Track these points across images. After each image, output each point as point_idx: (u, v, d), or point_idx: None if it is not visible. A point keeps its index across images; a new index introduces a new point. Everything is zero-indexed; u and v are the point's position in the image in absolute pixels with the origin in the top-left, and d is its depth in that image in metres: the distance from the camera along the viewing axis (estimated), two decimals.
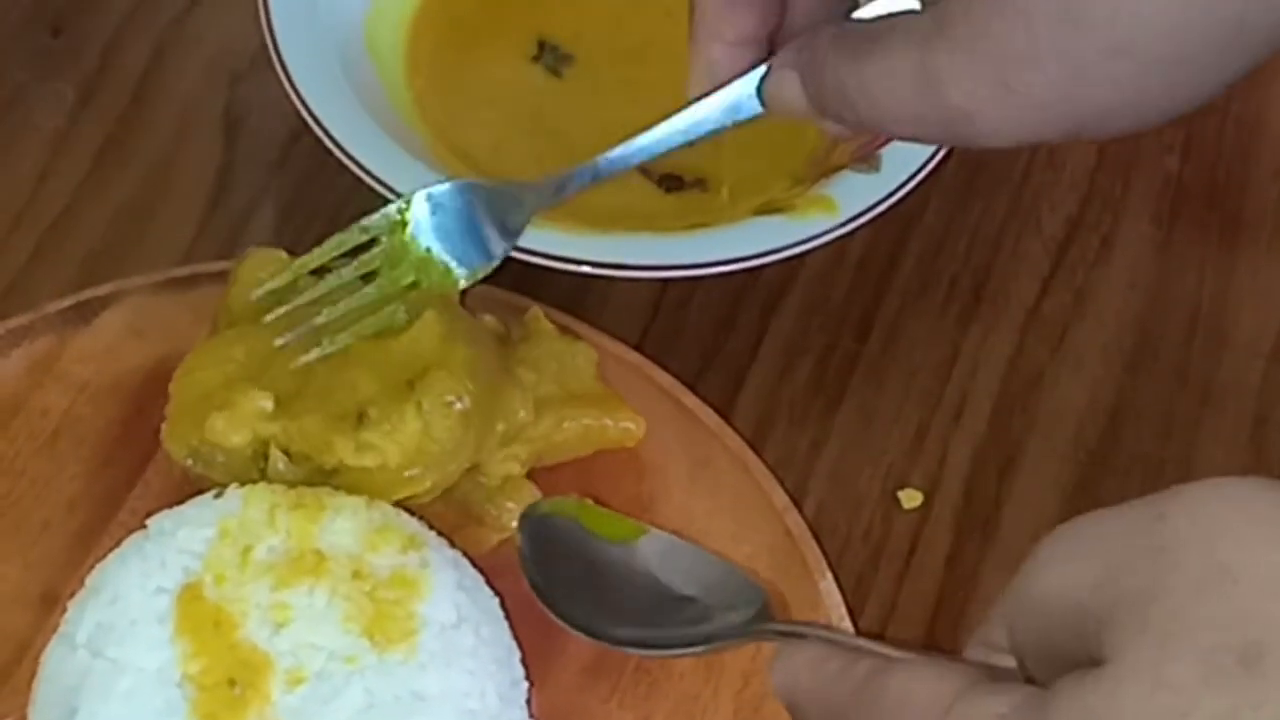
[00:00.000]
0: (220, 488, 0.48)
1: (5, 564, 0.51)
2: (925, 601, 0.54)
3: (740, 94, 0.45)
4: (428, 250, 0.50)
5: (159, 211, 0.60)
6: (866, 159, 0.57)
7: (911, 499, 0.56)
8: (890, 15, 0.41)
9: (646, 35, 0.62)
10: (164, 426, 0.49)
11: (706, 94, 0.45)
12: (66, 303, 0.55)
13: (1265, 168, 0.64)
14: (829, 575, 0.52)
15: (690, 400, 0.55)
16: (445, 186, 0.51)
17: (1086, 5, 0.37)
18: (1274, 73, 0.67)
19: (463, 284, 0.50)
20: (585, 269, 0.54)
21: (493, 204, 0.51)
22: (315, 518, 0.46)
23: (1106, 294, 0.61)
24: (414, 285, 0.50)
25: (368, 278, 0.51)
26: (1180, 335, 0.60)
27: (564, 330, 0.55)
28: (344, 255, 0.51)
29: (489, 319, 0.54)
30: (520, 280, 0.56)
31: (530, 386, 0.52)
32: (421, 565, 0.46)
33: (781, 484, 0.54)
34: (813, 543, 0.52)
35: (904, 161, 0.56)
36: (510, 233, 0.51)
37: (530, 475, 0.52)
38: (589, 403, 0.53)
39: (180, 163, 0.62)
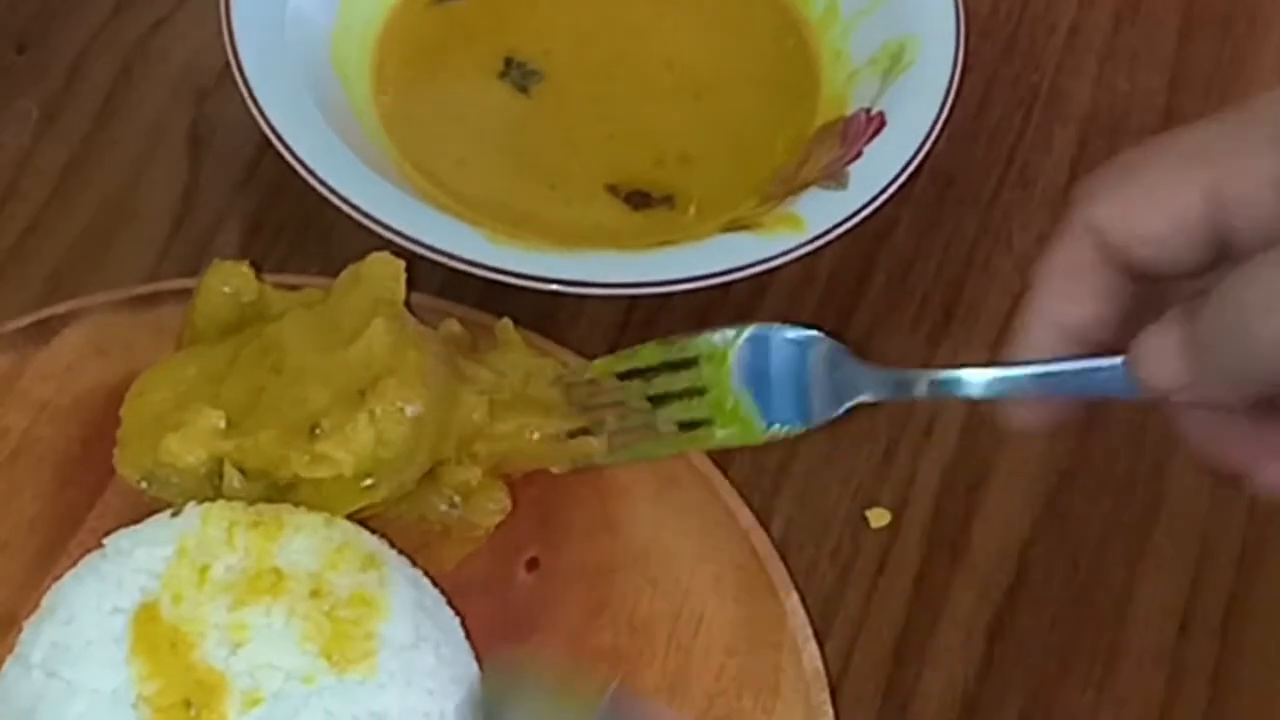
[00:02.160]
0: (178, 506, 0.47)
1: None
2: (894, 621, 0.54)
3: (1105, 371, 0.40)
4: (737, 401, 0.48)
5: (124, 230, 0.60)
6: (834, 176, 0.56)
7: (880, 518, 0.56)
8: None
9: (614, 52, 0.62)
10: (116, 451, 0.49)
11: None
12: (26, 321, 0.55)
13: None
14: (794, 595, 0.52)
15: None
16: (788, 332, 0.48)
17: None
18: (1246, 89, 0.67)
19: (763, 439, 0.47)
20: (551, 287, 0.54)
21: (833, 364, 0.47)
22: (274, 536, 0.45)
23: None
24: (708, 423, 0.48)
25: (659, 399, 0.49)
26: None
27: (532, 346, 0.54)
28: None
29: (454, 326, 0.53)
30: (488, 297, 0.55)
31: (490, 388, 0.51)
32: (381, 584, 0.46)
33: (748, 503, 0.53)
34: (779, 562, 0.52)
35: (872, 178, 0.56)
36: (839, 401, 0.46)
37: None
38: (552, 411, 0.52)
39: (145, 181, 0.61)
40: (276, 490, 0.48)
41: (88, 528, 0.51)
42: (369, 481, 0.48)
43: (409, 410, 0.48)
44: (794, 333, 0.48)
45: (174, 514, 0.47)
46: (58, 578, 0.48)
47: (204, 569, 0.45)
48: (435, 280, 0.56)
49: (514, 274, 0.54)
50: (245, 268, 0.53)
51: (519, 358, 0.53)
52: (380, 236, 0.54)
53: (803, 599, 0.52)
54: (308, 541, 0.46)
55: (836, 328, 0.59)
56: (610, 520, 0.53)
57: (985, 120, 0.65)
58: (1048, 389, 0.41)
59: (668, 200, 0.59)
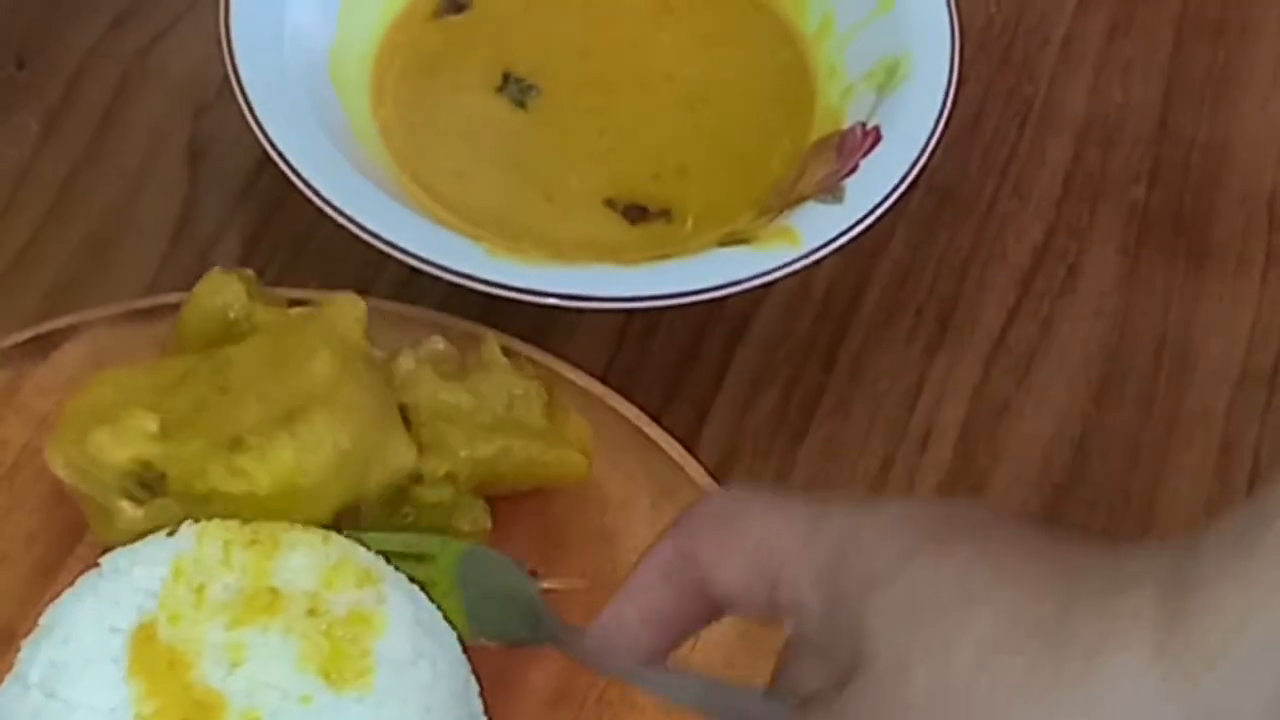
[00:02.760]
0: (174, 526, 0.47)
1: None
2: None
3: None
4: (455, 600, 0.48)
5: (123, 243, 0.60)
6: (830, 190, 0.57)
7: None
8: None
9: (612, 66, 0.62)
10: (48, 443, 0.49)
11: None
12: (25, 335, 0.55)
13: (1232, 194, 0.65)
14: None
15: (654, 432, 0.55)
16: (496, 557, 0.49)
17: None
18: (1239, 98, 0.67)
19: (478, 641, 0.48)
20: (549, 301, 0.54)
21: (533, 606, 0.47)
22: (270, 554, 0.46)
23: (1073, 323, 0.61)
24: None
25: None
26: (1147, 364, 0.60)
27: (529, 362, 0.55)
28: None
29: (439, 344, 0.53)
30: (485, 310, 0.56)
31: (468, 414, 0.51)
32: (378, 601, 0.46)
33: None
34: None
35: (869, 192, 0.56)
36: (536, 634, 0.46)
37: (491, 506, 0.52)
38: (534, 435, 0.52)
39: (144, 194, 0.61)
40: (193, 502, 0.47)
41: (86, 542, 0.51)
42: (280, 505, 0.47)
43: (332, 441, 0.47)
44: (506, 562, 0.49)
45: (170, 533, 0.47)
46: (56, 593, 0.48)
47: (200, 588, 0.45)
48: (436, 294, 0.56)
49: (511, 288, 0.54)
50: (237, 280, 0.53)
51: (504, 379, 0.53)
52: (379, 250, 0.54)
53: None
54: (304, 559, 0.46)
55: (832, 340, 0.60)
56: (608, 534, 0.53)
57: (980, 132, 0.65)
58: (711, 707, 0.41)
59: (665, 214, 0.59)
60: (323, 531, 0.47)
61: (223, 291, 0.52)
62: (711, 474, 0.54)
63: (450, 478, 0.51)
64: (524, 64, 0.62)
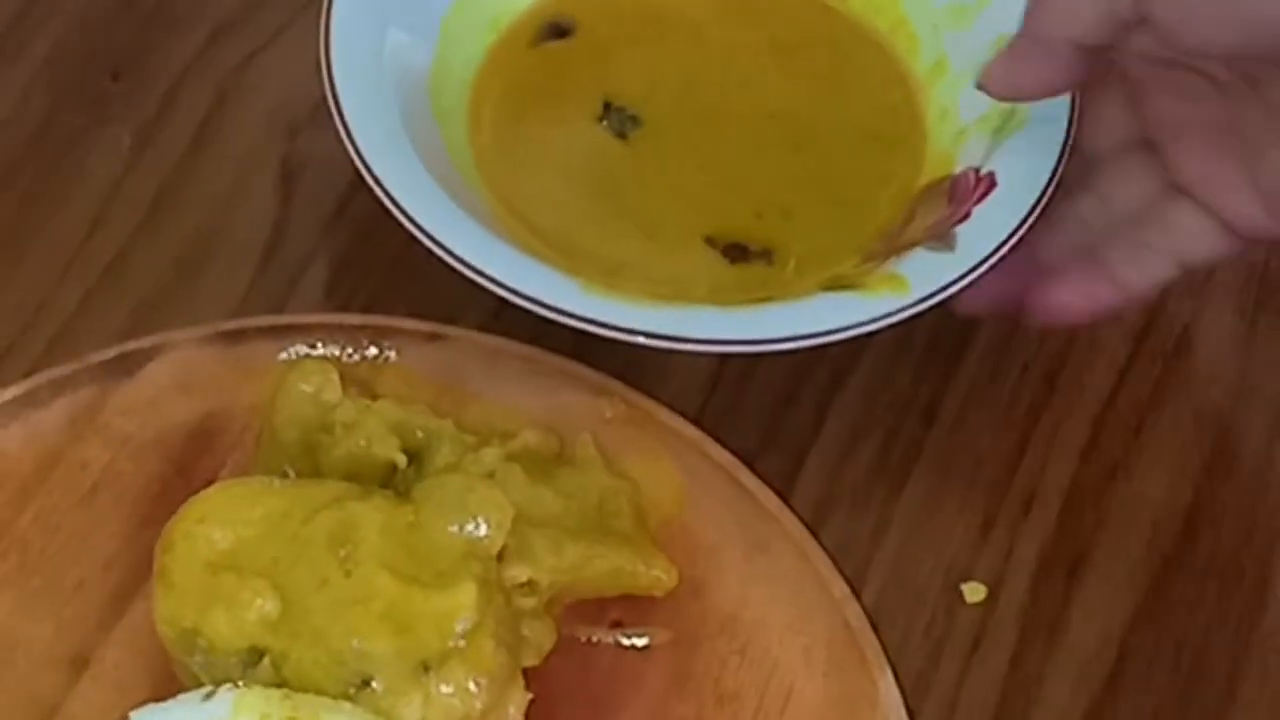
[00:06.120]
0: (210, 687, 0.45)
1: (37, 624, 0.50)
2: (986, 703, 0.52)
3: None
4: None
5: (211, 263, 0.59)
6: (941, 237, 0.55)
7: (975, 593, 0.54)
8: None
9: (717, 100, 0.61)
10: (156, 589, 0.47)
11: None
12: (110, 353, 0.54)
13: None
14: (889, 672, 0.50)
15: (749, 480, 0.53)
16: None
17: None
18: None
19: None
20: (642, 340, 0.52)
21: None
22: None
23: (1186, 388, 0.58)
24: None
25: None
26: (1263, 431, 0.58)
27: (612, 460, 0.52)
28: None
29: (531, 437, 0.51)
30: (576, 346, 0.54)
31: (555, 517, 0.49)
32: None
33: (841, 572, 0.52)
34: (872, 636, 0.50)
35: (981, 240, 0.54)
36: None
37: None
38: (623, 543, 0.50)
39: (235, 215, 0.60)
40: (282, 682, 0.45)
41: None
42: None
43: (464, 709, 0.45)
44: None
45: (206, 697, 0.45)
46: (133, 620, 0.46)
47: None
48: (526, 328, 0.55)
49: (604, 324, 0.52)
50: (328, 366, 0.52)
51: (595, 478, 0.51)
52: (468, 280, 0.52)
53: (896, 675, 0.50)
54: None
55: (935, 393, 0.58)
56: (697, 584, 0.52)
57: None
58: None
59: (766, 255, 0.58)
60: (362, 709, 0.45)
61: (312, 377, 0.51)
62: (808, 525, 0.52)
63: (531, 586, 0.48)
64: (626, 94, 0.61)
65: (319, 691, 0.45)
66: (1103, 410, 0.58)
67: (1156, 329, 0.60)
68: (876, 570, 0.54)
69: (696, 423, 0.54)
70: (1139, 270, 0.53)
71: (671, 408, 0.54)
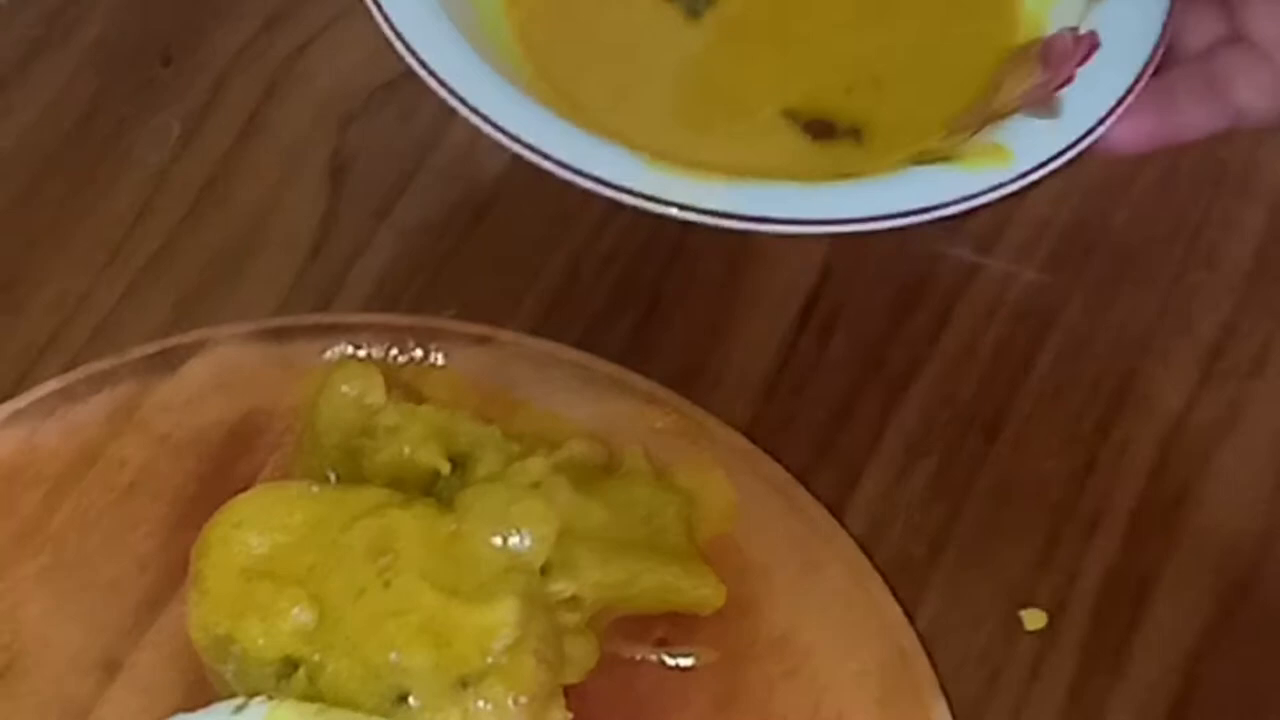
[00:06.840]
0: (242, 698, 0.44)
1: (70, 625, 0.49)
2: None
3: None
4: None
5: (257, 257, 0.58)
6: (1043, 102, 0.51)
7: (1035, 619, 0.52)
8: None
9: None
10: (191, 594, 0.46)
11: None
12: (151, 349, 0.53)
13: None
14: (942, 701, 0.48)
15: (802, 496, 0.51)
16: None
17: None
18: None
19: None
20: (729, 223, 0.47)
21: None
22: None
23: (1261, 409, 0.56)
24: None
25: None
26: None
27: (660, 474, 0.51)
28: None
29: (577, 447, 0.50)
30: (625, 350, 0.53)
31: (601, 530, 0.48)
32: None
33: (895, 595, 0.50)
34: (926, 664, 0.49)
35: (1089, 104, 0.50)
36: None
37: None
38: (670, 559, 0.48)
39: (283, 207, 0.59)
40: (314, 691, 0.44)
41: None
42: None
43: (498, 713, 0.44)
44: None
45: (237, 710, 0.44)
46: (167, 624, 0.45)
47: None
48: (575, 330, 0.53)
49: (673, 204, 0.47)
50: (372, 369, 0.51)
51: (644, 490, 0.49)
52: (525, 160, 0.48)
53: (949, 704, 0.48)
54: None
55: (998, 408, 0.56)
56: (746, 603, 0.50)
57: (1170, 195, 0.60)
58: None
59: (854, 133, 0.53)
60: None
61: (354, 379, 0.50)
62: (861, 545, 0.51)
63: (575, 601, 0.47)
64: None
65: (354, 706, 0.44)
66: (1173, 430, 0.56)
67: (1231, 347, 0.58)
68: (932, 594, 0.52)
69: (748, 434, 0.52)
70: (1205, 110, 0.52)
71: (722, 418, 0.52)
